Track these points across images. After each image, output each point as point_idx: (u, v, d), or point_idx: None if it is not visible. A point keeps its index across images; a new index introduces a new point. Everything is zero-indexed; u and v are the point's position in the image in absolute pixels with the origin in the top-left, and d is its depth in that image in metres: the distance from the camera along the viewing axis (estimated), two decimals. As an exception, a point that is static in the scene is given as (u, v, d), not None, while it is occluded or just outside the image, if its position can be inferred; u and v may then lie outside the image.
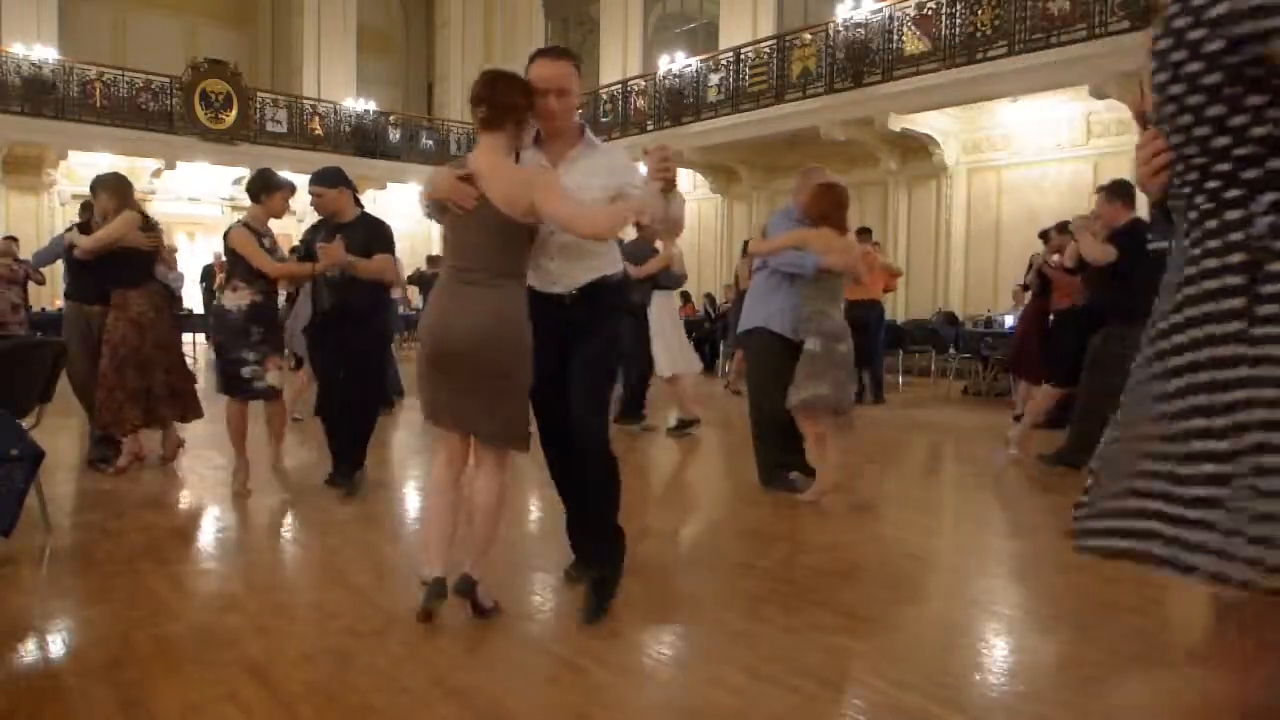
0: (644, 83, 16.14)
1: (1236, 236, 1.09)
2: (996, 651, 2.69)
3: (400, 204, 19.33)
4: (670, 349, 6.92)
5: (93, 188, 5.09)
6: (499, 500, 2.79)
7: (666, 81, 15.37)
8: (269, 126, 17.78)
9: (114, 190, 5.01)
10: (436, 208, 2.76)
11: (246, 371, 4.40)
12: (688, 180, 16.89)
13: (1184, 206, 1.18)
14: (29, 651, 2.60)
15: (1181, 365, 1.13)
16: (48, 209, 16.62)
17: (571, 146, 2.84)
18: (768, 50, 13.76)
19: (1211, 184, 1.13)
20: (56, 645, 2.64)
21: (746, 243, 8.68)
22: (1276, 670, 1.11)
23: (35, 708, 2.18)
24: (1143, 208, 5.68)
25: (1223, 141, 1.10)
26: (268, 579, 3.29)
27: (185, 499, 4.62)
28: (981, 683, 2.44)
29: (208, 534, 3.99)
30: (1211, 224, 1.13)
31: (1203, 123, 1.12)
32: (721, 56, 14.58)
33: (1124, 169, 11.22)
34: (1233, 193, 1.11)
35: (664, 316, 6.98)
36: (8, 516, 3.29)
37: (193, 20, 20.38)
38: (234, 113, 17.28)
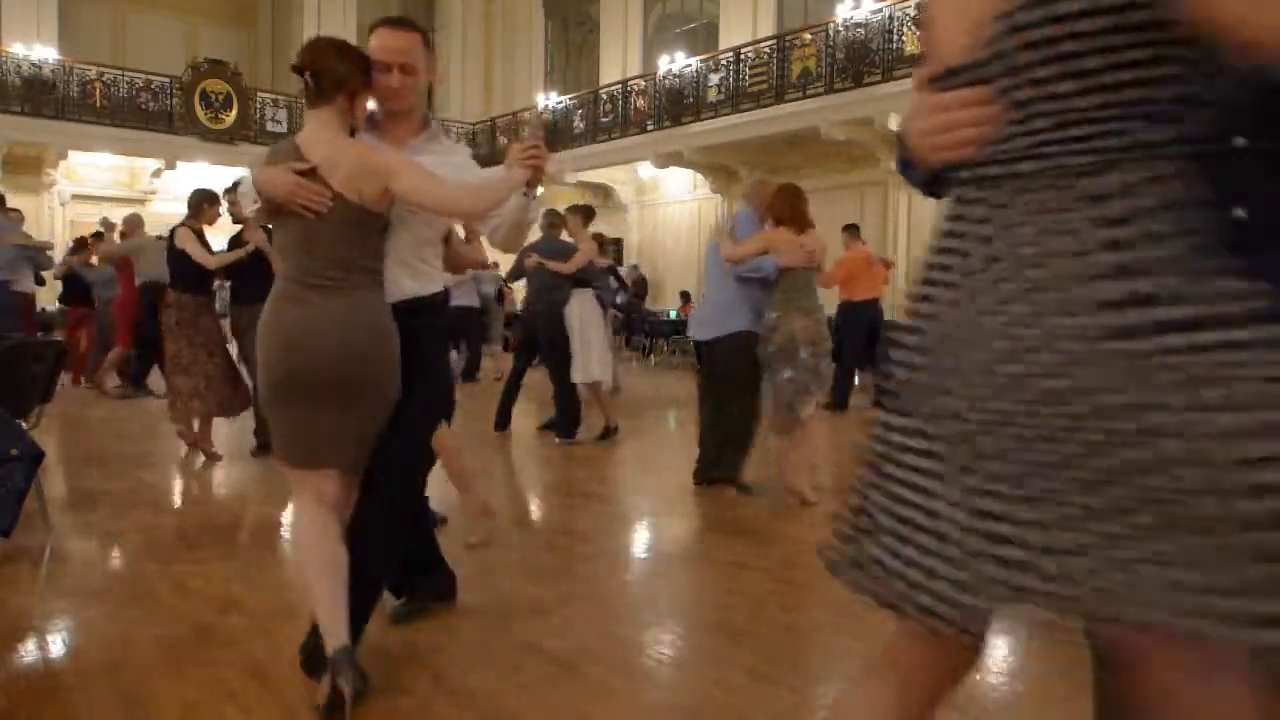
0: (644, 83, 16.14)
1: (1095, 212, 0.91)
2: (996, 651, 2.69)
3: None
4: (588, 353, 6.55)
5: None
6: None
7: (666, 81, 15.37)
8: (269, 126, 17.77)
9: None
10: (268, 208, 2.27)
11: None
12: (688, 180, 16.91)
13: (1002, 175, 0.98)
14: (29, 651, 2.60)
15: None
16: (48, 209, 16.61)
17: (413, 135, 2.42)
18: (768, 50, 13.75)
19: (1073, 146, 0.92)
20: (56, 645, 2.64)
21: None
22: None
23: (35, 708, 2.18)
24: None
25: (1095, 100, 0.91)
26: (268, 579, 3.28)
27: (186, 499, 4.62)
28: (981, 683, 2.44)
29: (208, 534, 3.98)
30: (1049, 196, 0.94)
31: (1068, 77, 0.91)
32: (721, 56, 14.57)
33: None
34: (1089, 159, 0.92)
35: (585, 317, 6.59)
36: (8, 516, 3.30)
37: (193, 20, 20.38)
38: (234, 113, 17.28)
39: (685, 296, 15.44)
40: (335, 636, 2.12)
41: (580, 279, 6.56)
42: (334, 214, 2.19)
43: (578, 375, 6.51)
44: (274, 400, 2.27)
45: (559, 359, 6.44)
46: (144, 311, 7.80)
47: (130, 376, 8.84)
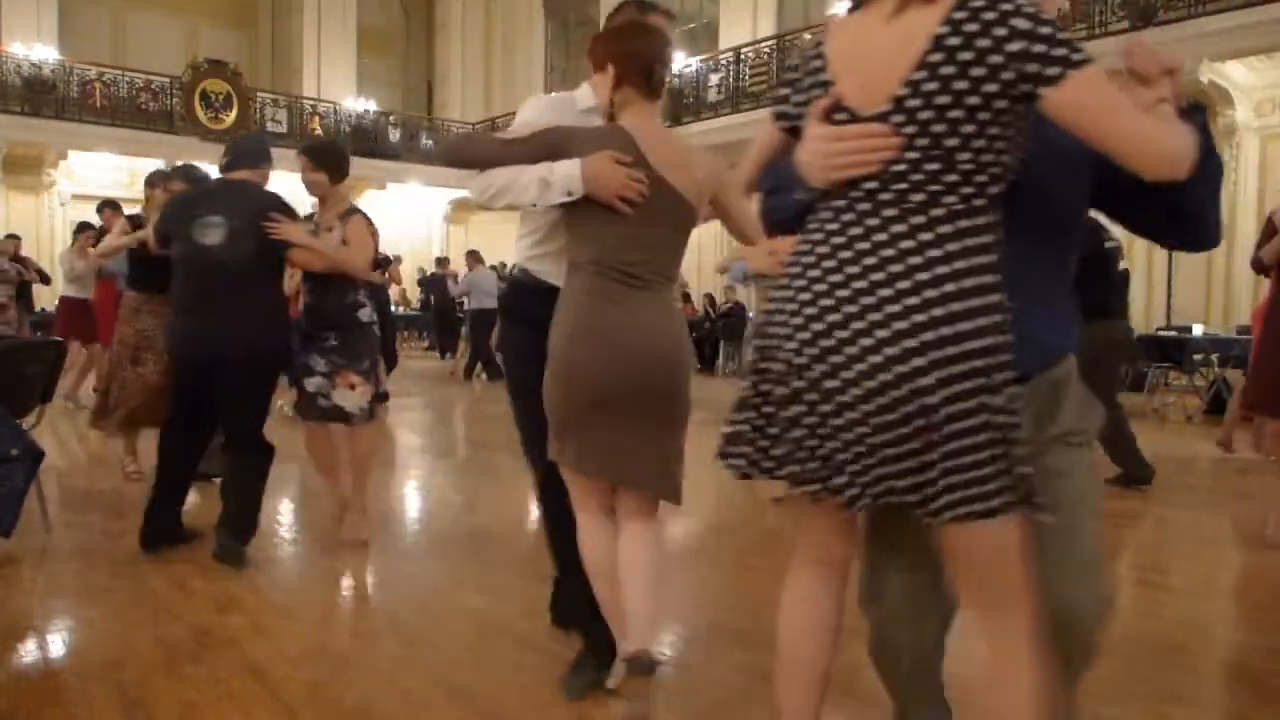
0: (644, 83, 16.16)
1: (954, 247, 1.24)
2: (996, 651, 2.69)
3: (400, 203, 19.32)
4: None
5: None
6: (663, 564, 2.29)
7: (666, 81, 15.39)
8: (269, 127, 17.77)
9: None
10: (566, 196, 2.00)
11: (312, 385, 3.64)
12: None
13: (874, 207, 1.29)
14: (29, 651, 2.60)
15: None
16: (48, 209, 16.61)
17: None
18: (768, 50, 13.77)
19: (947, 197, 1.24)
20: (56, 645, 2.64)
21: None
22: None
23: (35, 708, 2.19)
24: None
25: (964, 157, 1.22)
26: (268, 579, 3.28)
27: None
28: (981, 682, 2.44)
29: (208, 534, 3.98)
30: (945, 228, 1.24)
31: (954, 136, 1.21)
32: (721, 56, 14.59)
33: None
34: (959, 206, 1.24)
35: None
36: (8, 516, 3.30)
37: (193, 20, 20.37)
38: (234, 113, 17.28)
39: (685, 297, 15.41)
40: (634, 639, 2.07)
41: None
42: (668, 215, 2.08)
43: None
44: (578, 411, 2.04)
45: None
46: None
47: None
